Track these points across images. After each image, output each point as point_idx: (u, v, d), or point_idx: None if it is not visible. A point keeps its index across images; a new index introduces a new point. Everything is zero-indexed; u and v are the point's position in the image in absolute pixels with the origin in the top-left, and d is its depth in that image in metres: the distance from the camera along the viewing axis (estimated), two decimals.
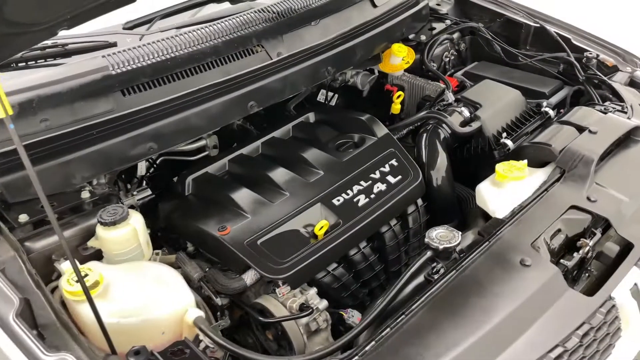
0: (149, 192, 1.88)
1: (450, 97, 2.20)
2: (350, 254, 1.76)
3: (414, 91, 2.53)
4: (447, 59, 2.62)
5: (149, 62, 1.74)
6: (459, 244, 1.49)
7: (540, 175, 1.78)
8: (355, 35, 2.26)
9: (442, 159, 2.00)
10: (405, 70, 2.54)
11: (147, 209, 1.83)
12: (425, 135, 2.04)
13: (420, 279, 1.48)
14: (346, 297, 1.77)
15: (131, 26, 2.01)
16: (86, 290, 1.23)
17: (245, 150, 2.02)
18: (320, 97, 2.65)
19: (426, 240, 1.50)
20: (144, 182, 2.05)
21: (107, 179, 1.78)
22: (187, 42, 1.84)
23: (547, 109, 2.18)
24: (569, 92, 2.29)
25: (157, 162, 2.09)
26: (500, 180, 1.72)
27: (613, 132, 1.83)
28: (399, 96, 2.38)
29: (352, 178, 1.85)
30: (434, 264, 1.47)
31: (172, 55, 1.80)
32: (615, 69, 2.29)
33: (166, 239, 1.85)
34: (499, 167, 1.73)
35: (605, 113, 1.96)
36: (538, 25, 2.50)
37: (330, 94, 2.63)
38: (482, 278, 1.42)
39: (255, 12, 2.06)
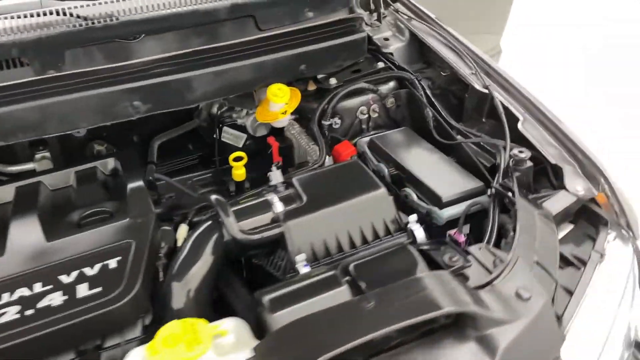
0: None
1: (276, 177, 1.48)
2: None
3: (300, 150, 1.83)
4: (365, 115, 1.85)
5: None
6: None
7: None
8: (200, 64, 1.65)
9: (200, 270, 1.30)
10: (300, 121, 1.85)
11: None
12: (196, 231, 1.35)
13: None
14: None
15: None
16: None
17: None
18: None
19: None
20: None
21: None
22: None
23: (413, 228, 1.37)
24: (467, 208, 1.42)
25: None
26: (151, 355, 1.00)
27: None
28: (237, 159, 1.67)
29: (28, 276, 1.24)
30: None
31: None
32: (560, 184, 1.39)
33: None
34: (163, 331, 1.01)
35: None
36: (485, 91, 1.65)
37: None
38: None
39: (45, 13, 1.55)
